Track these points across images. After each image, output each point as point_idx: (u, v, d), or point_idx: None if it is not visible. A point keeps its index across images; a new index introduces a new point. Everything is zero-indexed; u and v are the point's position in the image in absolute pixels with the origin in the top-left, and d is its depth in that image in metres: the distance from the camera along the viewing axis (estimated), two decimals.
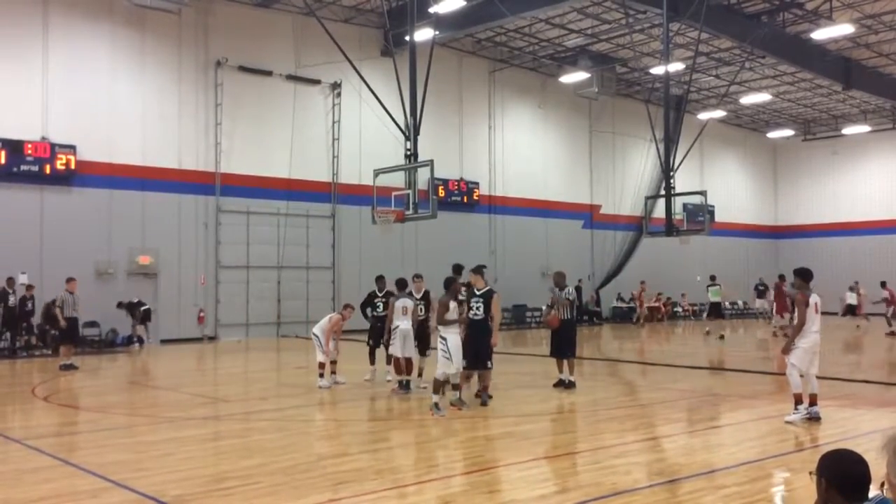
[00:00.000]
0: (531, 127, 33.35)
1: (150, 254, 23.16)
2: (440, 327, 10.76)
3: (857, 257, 38.68)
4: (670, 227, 25.93)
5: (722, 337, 24.04)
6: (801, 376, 9.76)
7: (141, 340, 22.21)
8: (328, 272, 26.87)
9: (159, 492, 6.54)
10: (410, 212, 19.38)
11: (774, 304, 24.52)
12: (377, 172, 19.90)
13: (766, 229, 44.18)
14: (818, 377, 10.01)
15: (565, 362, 12.94)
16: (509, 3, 23.99)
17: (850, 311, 27.45)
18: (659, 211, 28.53)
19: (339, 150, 27.15)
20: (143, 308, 22.24)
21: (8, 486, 6.86)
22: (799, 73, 33.04)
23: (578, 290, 26.65)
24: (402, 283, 13.00)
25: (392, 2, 25.56)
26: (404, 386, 12.47)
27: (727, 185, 40.79)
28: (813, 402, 9.74)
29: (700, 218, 28.18)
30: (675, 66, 29.52)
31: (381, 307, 13.54)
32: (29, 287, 20.04)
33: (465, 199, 30.21)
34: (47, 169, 21.29)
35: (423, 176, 20.46)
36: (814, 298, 9.80)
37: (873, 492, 2.85)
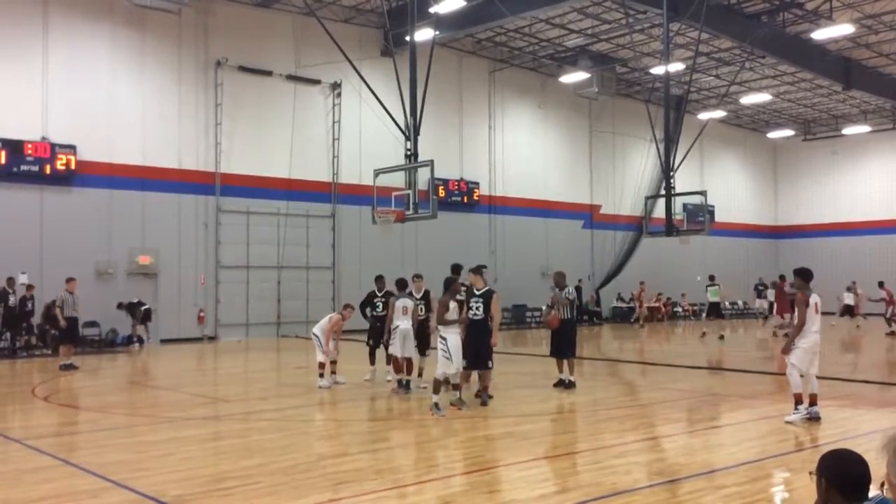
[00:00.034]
0: (531, 127, 33.35)
1: (150, 254, 23.16)
2: (440, 327, 10.76)
3: (856, 257, 38.68)
4: (670, 227, 25.93)
5: (722, 337, 24.04)
6: (802, 376, 9.76)
7: (141, 340, 22.21)
8: (328, 272, 26.88)
9: (159, 492, 6.54)
10: (410, 212, 19.39)
11: (775, 304, 24.51)
12: (377, 172, 19.91)
13: (766, 229, 44.19)
14: (818, 377, 10.01)
15: (565, 362, 12.94)
16: (509, 3, 23.99)
17: (848, 311, 27.48)
18: (659, 211, 28.53)
19: (339, 150, 27.15)
20: (143, 308, 22.24)
21: (8, 486, 6.86)
22: (799, 73, 33.04)
23: (578, 290, 26.66)
24: (402, 283, 13.00)
25: (392, 2, 25.56)
26: (403, 385, 12.47)
27: (727, 185, 40.79)
28: (813, 402, 9.74)
29: (700, 218, 28.18)
30: (675, 66, 29.52)
31: (381, 307, 13.53)
32: (29, 287, 20.04)
33: (465, 199, 30.21)
34: (47, 169, 21.29)
35: (423, 176, 20.47)
36: (814, 298, 9.80)
37: (873, 492, 2.85)
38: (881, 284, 27.24)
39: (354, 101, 26.43)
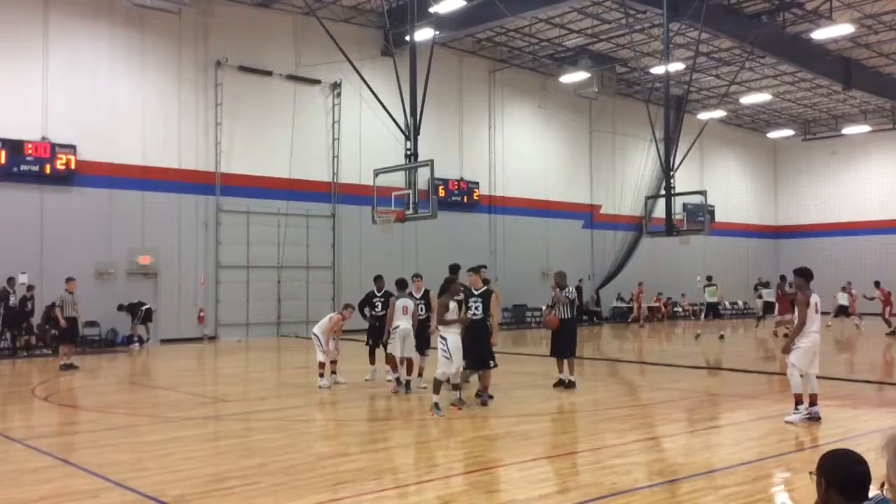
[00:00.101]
0: (531, 127, 33.34)
1: (150, 254, 23.16)
2: (440, 327, 10.76)
3: (857, 257, 38.65)
4: (670, 227, 25.93)
5: (722, 337, 24.03)
6: (802, 376, 9.76)
7: (141, 340, 22.21)
8: (328, 272, 26.88)
9: (159, 492, 6.54)
10: (410, 212, 19.39)
11: (777, 305, 24.51)
12: (377, 172, 19.92)
13: (766, 229, 44.19)
14: (818, 377, 10.01)
15: (565, 362, 12.94)
16: (509, 3, 23.98)
17: (842, 311, 27.55)
18: (659, 211, 28.55)
19: (339, 150, 27.15)
20: (144, 307, 22.25)
21: (8, 486, 6.86)
22: (799, 73, 33.04)
23: (579, 289, 26.66)
24: (402, 284, 13.00)
25: (392, 2, 25.56)
26: (403, 384, 12.48)
27: (727, 185, 40.77)
28: (813, 402, 9.75)
29: (700, 218, 28.19)
30: (675, 66, 29.53)
31: (380, 307, 13.54)
32: (30, 287, 20.05)
33: (465, 199, 30.21)
34: (47, 169, 21.29)
35: (423, 176, 20.48)
36: (814, 298, 9.80)
37: (873, 492, 2.85)
38: (877, 284, 27.26)
39: (354, 101, 26.43)
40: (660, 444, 9.06)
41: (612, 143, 35.94)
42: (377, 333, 13.51)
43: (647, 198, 31.70)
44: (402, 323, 12.35)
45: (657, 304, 35.06)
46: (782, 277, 24.66)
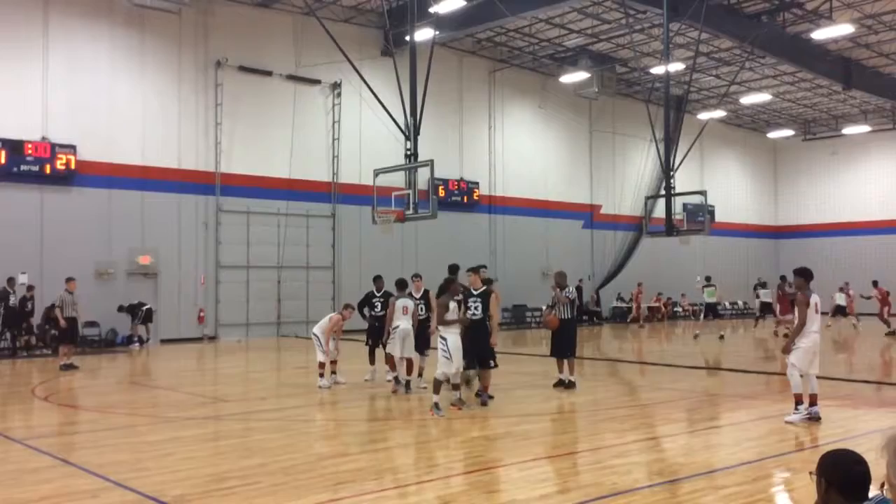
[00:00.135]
0: (531, 127, 33.34)
1: (150, 254, 23.16)
2: (440, 327, 10.76)
3: (857, 257, 38.64)
4: (670, 227, 25.93)
5: (722, 337, 24.05)
6: (802, 376, 9.76)
7: (141, 340, 22.21)
8: (328, 272, 26.88)
9: (159, 492, 6.54)
10: (410, 212, 19.39)
11: (778, 305, 24.52)
12: (377, 172, 19.92)
13: (766, 229, 44.19)
14: (818, 377, 10.01)
15: (565, 362, 12.94)
16: (509, 3, 23.98)
17: (839, 311, 27.57)
18: (659, 211, 28.54)
19: (339, 150, 27.15)
20: (144, 308, 22.25)
21: (8, 486, 6.86)
22: (799, 73, 33.04)
23: (579, 290, 26.64)
24: (401, 284, 13.00)
25: (392, 2, 25.56)
26: (402, 384, 12.48)
27: (727, 185, 40.77)
28: (813, 402, 9.75)
29: (700, 218, 28.19)
30: (675, 66, 29.53)
31: (379, 307, 13.54)
32: (30, 288, 20.05)
33: (465, 199, 30.21)
34: (47, 169, 21.29)
35: (423, 176, 20.47)
36: (814, 299, 9.80)
37: (873, 492, 2.85)
38: (875, 284, 27.24)
39: (354, 101, 26.43)
40: (660, 444, 9.06)
41: (612, 143, 35.94)
42: (377, 333, 13.51)
43: (647, 198, 31.70)
44: (402, 323, 12.35)
45: (657, 305, 35.05)
46: (782, 278, 24.66)
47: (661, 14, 24.77)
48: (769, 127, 42.59)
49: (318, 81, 26.69)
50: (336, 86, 26.94)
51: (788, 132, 42.20)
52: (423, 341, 12.88)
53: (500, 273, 29.59)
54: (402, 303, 12.48)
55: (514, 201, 32.00)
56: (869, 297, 27.02)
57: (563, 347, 12.88)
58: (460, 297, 11.18)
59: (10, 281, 19.64)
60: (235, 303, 24.92)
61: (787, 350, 9.95)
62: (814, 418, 9.64)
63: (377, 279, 14.14)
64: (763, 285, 27.49)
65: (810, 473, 3.04)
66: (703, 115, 35.61)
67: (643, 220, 32.08)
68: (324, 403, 12.02)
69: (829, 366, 13.45)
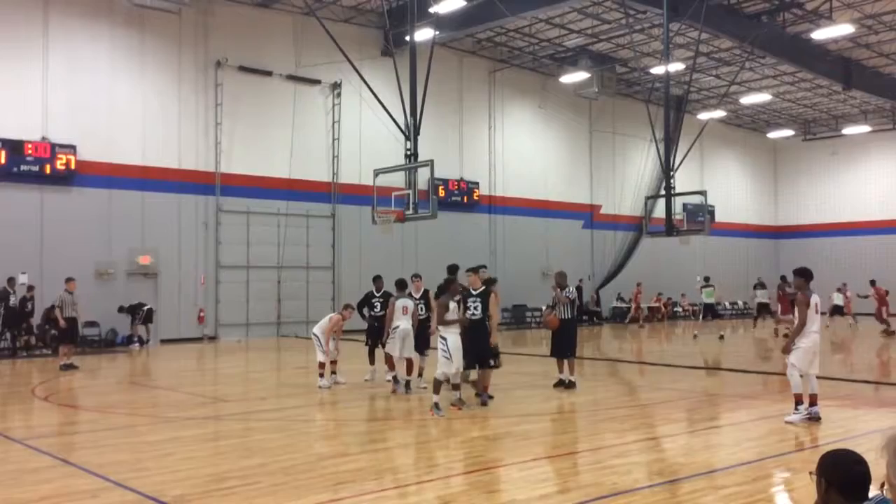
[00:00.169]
0: (531, 127, 33.34)
1: (150, 254, 23.16)
2: (440, 328, 10.76)
3: (856, 257, 38.65)
4: (670, 227, 25.93)
5: (722, 337, 24.05)
6: (802, 376, 9.76)
7: (141, 341, 22.21)
8: (328, 272, 26.88)
9: (159, 492, 6.54)
10: (410, 212, 19.39)
11: (779, 305, 24.52)
12: (377, 172, 19.91)
13: (766, 229, 44.19)
14: (818, 377, 10.01)
15: (565, 362, 12.94)
16: (509, 3, 23.98)
17: (837, 311, 27.56)
18: (659, 211, 28.54)
19: (339, 150, 27.15)
20: (145, 308, 22.26)
21: (8, 486, 6.86)
22: (799, 73, 33.04)
23: (579, 290, 26.63)
24: (401, 284, 13.00)
25: (392, 2, 25.56)
26: (403, 384, 12.49)
27: (727, 185, 40.78)
28: (813, 402, 9.75)
29: (700, 218, 28.18)
30: (675, 66, 29.53)
31: (379, 307, 13.54)
32: (30, 288, 20.06)
33: (465, 199, 30.21)
34: (47, 169, 21.29)
35: (423, 176, 20.48)
36: (814, 299, 9.81)
37: (873, 492, 2.85)
38: (873, 283, 27.21)
39: (354, 101, 26.43)
40: (660, 444, 9.06)
41: (612, 143, 35.93)
42: (376, 333, 13.51)
43: (647, 198, 31.70)
44: (402, 323, 12.35)
45: (657, 305, 35.04)
46: (783, 278, 24.67)
47: (661, 14, 24.77)
48: (769, 127, 42.59)
49: (318, 81, 26.68)
50: (336, 86, 26.94)
51: (788, 132, 42.20)
52: (422, 341, 12.89)
53: (500, 273, 29.49)
54: (401, 303, 12.49)
55: (514, 201, 32.00)
56: (866, 297, 27.02)
57: (563, 347, 12.88)
58: (459, 297, 11.18)
59: (11, 281, 19.64)
60: (235, 303, 24.92)
61: (786, 350, 9.95)
62: (814, 418, 9.64)
63: (377, 279, 14.14)
64: (762, 286, 27.51)
65: (810, 473, 3.04)
66: (703, 115, 35.61)
67: (643, 220, 32.08)
68: (324, 403, 12.02)
69: (828, 366, 13.45)
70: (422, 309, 12.90)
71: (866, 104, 38.26)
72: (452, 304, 10.77)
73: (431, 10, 21.52)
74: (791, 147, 43.91)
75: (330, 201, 27.02)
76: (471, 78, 31.04)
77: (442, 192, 28.06)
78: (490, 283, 12.28)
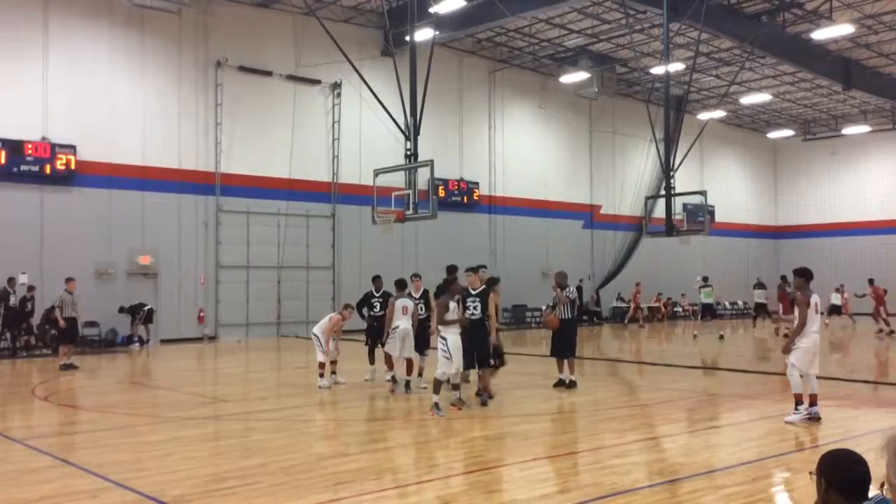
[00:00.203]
0: (531, 127, 33.34)
1: (150, 254, 23.15)
2: (440, 327, 10.76)
3: (856, 257, 38.65)
4: (670, 227, 25.93)
5: (721, 337, 24.05)
6: (801, 376, 9.76)
7: (142, 340, 22.21)
8: (328, 272, 26.88)
9: (159, 492, 6.54)
10: (410, 212, 19.39)
11: (781, 305, 24.51)
12: (377, 172, 19.91)
13: (766, 229, 44.19)
14: (818, 377, 10.01)
15: (565, 362, 12.95)
16: (509, 3, 23.98)
17: (835, 311, 27.56)
18: (659, 211, 28.54)
19: (339, 150, 27.15)
20: (146, 308, 22.27)
21: (8, 486, 6.86)
22: (799, 73, 33.04)
23: (579, 290, 26.63)
24: (401, 284, 13.00)
25: (392, 2, 25.55)
26: (397, 382, 12.49)
27: (727, 185, 40.78)
28: (813, 403, 9.75)
29: (700, 218, 28.18)
30: (675, 66, 29.53)
31: (378, 307, 13.54)
32: (30, 288, 20.05)
33: (465, 199, 30.21)
34: (47, 169, 21.28)
35: (423, 176, 20.47)
36: (814, 299, 9.81)
37: (873, 492, 2.85)
38: (871, 282, 27.15)
39: (354, 101, 26.43)
40: (660, 444, 9.06)
41: (612, 143, 35.93)
42: (375, 333, 13.52)
43: (647, 198, 31.70)
44: (402, 323, 12.35)
45: (657, 305, 35.04)
46: (783, 277, 24.65)
47: (661, 14, 24.77)
48: (769, 127, 42.59)
49: (318, 81, 26.68)
50: (336, 86, 26.94)
51: (788, 132, 42.20)
52: (422, 341, 12.88)
53: (499, 273, 29.50)
54: (401, 303, 12.48)
55: (514, 201, 32.00)
56: (863, 296, 26.96)
57: (563, 347, 12.89)
58: (459, 297, 11.18)
59: (11, 281, 19.64)
60: (235, 303, 24.91)
61: (787, 350, 9.95)
62: (814, 418, 9.64)
63: (376, 279, 14.15)
64: (760, 286, 27.50)
65: (810, 473, 3.04)
66: (703, 115, 35.61)
67: (643, 221, 32.07)
68: (324, 403, 12.02)
69: (827, 366, 13.45)
70: (421, 309, 12.91)
71: (866, 104, 38.26)
72: (452, 304, 10.77)
73: (431, 10, 21.52)
74: (791, 147, 43.91)
75: (330, 201, 27.02)
76: (471, 78, 31.04)
77: (442, 192, 28.06)
78: (493, 282, 12.32)
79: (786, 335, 18.73)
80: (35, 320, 20.38)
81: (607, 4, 26.44)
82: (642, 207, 33.21)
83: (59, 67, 21.87)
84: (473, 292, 11.36)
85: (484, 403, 11.17)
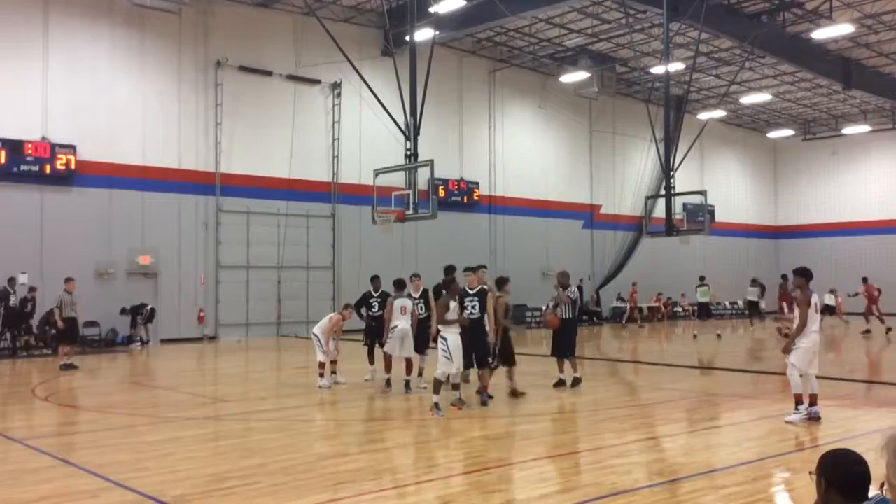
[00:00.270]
0: (531, 127, 33.34)
1: (150, 254, 23.15)
2: (440, 327, 10.76)
3: (856, 257, 38.62)
4: (670, 227, 25.94)
5: (719, 336, 24.05)
6: (801, 376, 9.76)
7: (143, 341, 22.22)
8: (328, 272, 26.87)
9: (159, 492, 6.54)
10: (410, 212, 19.40)
11: (784, 305, 24.52)
12: (377, 172, 19.92)
13: (766, 229, 44.18)
14: (818, 377, 10.01)
15: (566, 362, 12.95)
16: (509, 3, 23.98)
17: (829, 311, 27.59)
18: (659, 211, 28.53)
19: (339, 150, 27.15)
20: (148, 308, 22.28)
21: (8, 486, 6.86)
22: (799, 73, 33.04)
23: (580, 290, 26.63)
24: (400, 284, 12.98)
25: (392, 2, 25.55)
26: (390, 385, 12.49)
27: (727, 185, 40.77)
28: (813, 402, 9.74)
29: (700, 218, 28.19)
30: (675, 66, 29.53)
31: (377, 307, 13.54)
32: (31, 289, 20.06)
33: (465, 199, 30.21)
34: (47, 169, 21.29)
35: (423, 176, 20.48)
36: (814, 299, 9.81)
37: (873, 492, 2.85)
38: (864, 280, 27.09)
39: (354, 101, 26.43)
40: (660, 444, 9.06)
41: (612, 143, 35.93)
42: (374, 333, 13.51)
43: (647, 198, 31.69)
44: (401, 323, 12.34)
45: (657, 305, 35.04)
46: (784, 277, 24.65)
47: (661, 14, 24.77)
48: (769, 127, 42.59)
49: (318, 81, 26.68)
50: (336, 86, 26.94)
51: (788, 132, 42.20)
52: (422, 341, 12.88)
53: (500, 273, 29.49)
54: (400, 303, 12.48)
55: (514, 201, 32.00)
56: (856, 294, 26.90)
57: (563, 347, 12.89)
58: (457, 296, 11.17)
59: (11, 281, 19.64)
60: (235, 303, 24.91)
61: (787, 350, 9.95)
62: (814, 418, 9.64)
63: (374, 279, 14.13)
64: (754, 283, 27.46)
65: (810, 473, 3.04)
66: (703, 115, 35.61)
67: (643, 220, 32.07)
68: (324, 403, 12.02)
69: (825, 366, 13.44)
70: (421, 308, 12.90)
71: (866, 104, 38.25)
72: (453, 304, 10.77)
73: (431, 10, 21.52)
74: (791, 147, 43.91)
75: (330, 201, 27.02)
76: (471, 78, 31.04)
77: (442, 192, 28.06)
78: (502, 282, 12.34)
79: (786, 335, 18.74)
80: (35, 321, 20.38)
81: (607, 4, 26.44)
82: (642, 207, 33.21)
83: (59, 67, 21.88)
84: (471, 292, 11.35)
85: (484, 403, 11.17)
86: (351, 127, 27.17)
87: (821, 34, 26.93)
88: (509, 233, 31.52)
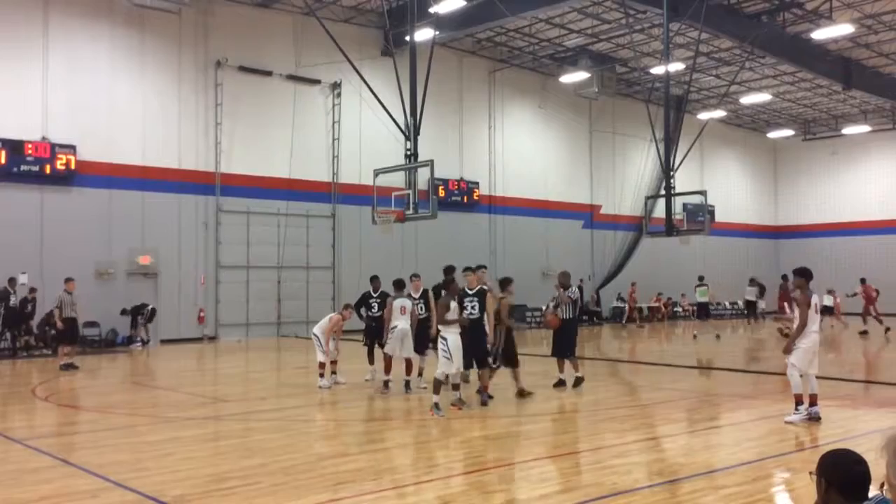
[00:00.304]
0: (531, 127, 33.34)
1: (150, 254, 23.15)
2: (440, 327, 10.76)
3: (856, 257, 38.62)
4: (670, 227, 25.93)
5: (718, 336, 24.04)
6: (801, 376, 9.76)
7: (143, 341, 22.22)
8: (328, 272, 26.87)
9: (159, 492, 6.54)
10: (410, 212, 19.40)
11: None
12: (377, 172, 19.92)
13: (766, 229, 44.18)
14: (818, 377, 10.01)
15: (566, 362, 12.95)
16: (509, 3, 23.98)
17: (827, 311, 27.57)
18: (659, 211, 28.53)
19: (339, 150, 27.15)
20: (148, 308, 22.29)
21: (8, 486, 6.86)
22: (799, 73, 33.04)
23: (580, 290, 26.64)
24: (399, 284, 12.98)
25: (392, 2, 25.55)
26: (388, 386, 12.49)
27: (727, 185, 40.76)
28: (813, 402, 9.75)
29: (700, 218, 28.19)
30: (675, 66, 29.53)
31: (376, 307, 13.54)
32: (32, 290, 20.05)
33: (465, 199, 30.21)
34: (47, 169, 21.28)
35: (423, 176, 20.48)
36: (814, 299, 9.81)
37: (873, 492, 2.85)
38: (863, 281, 27.08)
39: (354, 101, 26.43)
40: (660, 444, 9.06)
41: (612, 143, 35.93)
42: (374, 333, 13.51)
43: (647, 198, 31.69)
44: (400, 323, 12.35)
45: (657, 305, 35.03)
46: (784, 277, 24.65)
47: (661, 14, 24.77)
48: (769, 127, 42.59)
49: (318, 81, 26.68)
50: (336, 86, 26.94)
51: (788, 132, 42.19)
52: (422, 341, 12.88)
53: (500, 273, 29.54)
54: (399, 303, 12.48)
55: (514, 201, 32.00)
56: (854, 294, 26.88)
57: (563, 347, 12.90)
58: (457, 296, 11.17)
59: (11, 281, 19.63)
60: (235, 303, 24.91)
61: (787, 350, 9.95)
62: (814, 418, 9.64)
63: (374, 279, 14.14)
64: (753, 282, 27.42)
65: (810, 473, 3.04)
66: (703, 115, 35.60)
67: (643, 220, 32.07)
68: (324, 403, 12.03)
69: (824, 366, 13.44)
70: (421, 308, 12.91)
71: (866, 104, 38.25)
72: (453, 304, 10.78)
73: (431, 10, 21.52)
74: (791, 147, 43.91)
75: (330, 201, 27.02)
76: (471, 78, 31.04)
77: (442, 192, 28.06)
78: (505, 283, 12.35)
79: (786, 335, 18.75)
80: (35, 321, 20.38)
81: (607, 4, 26.44)
82: (642, 207, 33.20)
83: (59, 67, 21.87)
84: (470, 292, 11.35)
85: (484, 403, 11.17)
86: (351, 127, 27.17)
87: (821, 34, 26.92)
88: (509, 233, 31.52)
